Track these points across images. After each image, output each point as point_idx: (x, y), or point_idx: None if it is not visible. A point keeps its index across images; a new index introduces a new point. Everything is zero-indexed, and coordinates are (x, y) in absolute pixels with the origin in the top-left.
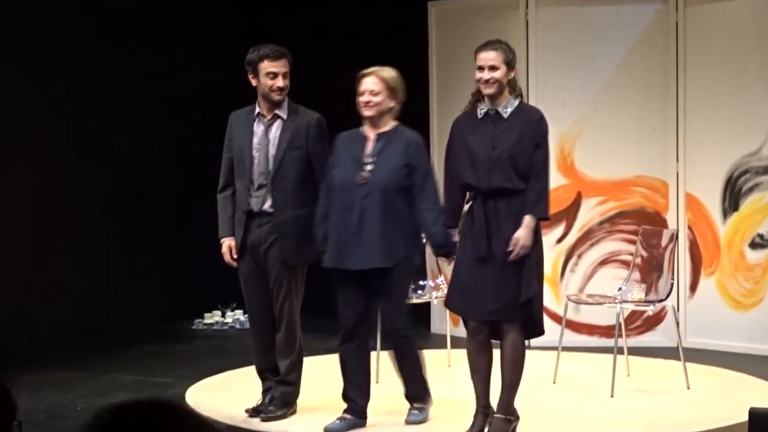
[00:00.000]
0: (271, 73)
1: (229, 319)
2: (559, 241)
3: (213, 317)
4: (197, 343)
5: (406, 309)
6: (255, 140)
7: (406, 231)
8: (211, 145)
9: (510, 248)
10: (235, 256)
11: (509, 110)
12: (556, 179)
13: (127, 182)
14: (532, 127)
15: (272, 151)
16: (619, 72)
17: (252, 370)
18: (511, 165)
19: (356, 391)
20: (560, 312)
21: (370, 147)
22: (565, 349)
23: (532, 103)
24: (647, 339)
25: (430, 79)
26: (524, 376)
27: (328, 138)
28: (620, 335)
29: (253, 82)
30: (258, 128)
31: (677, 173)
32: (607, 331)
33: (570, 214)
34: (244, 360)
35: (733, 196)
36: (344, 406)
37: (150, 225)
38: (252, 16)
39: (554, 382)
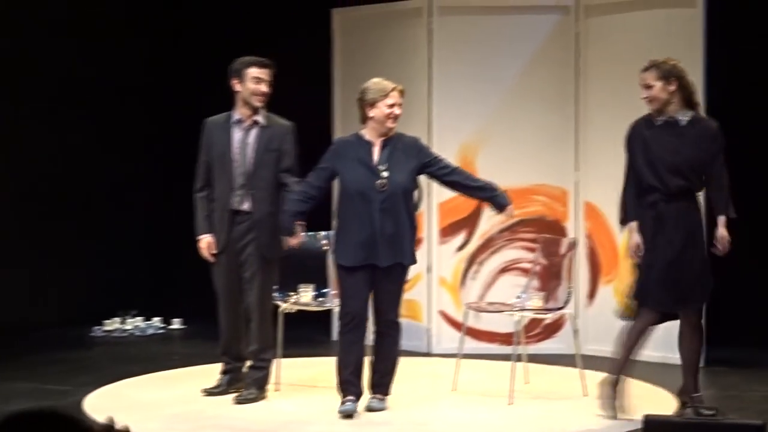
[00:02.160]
0: (257, 78)
1: (129, 326)
2: (460, 248)
3: (113, 324)
4: (97, 350)
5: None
6: (235, 144)
7: (414, 229)
8: (113, 148)
9: (717, 245)
10: (214, 252)
11: (685, 120)
12: None
13: (25, 185)
14: (708, 137)
15: (250, 153)
16: (520, 81)
17: (153, 377)
18: (688, 170)
19: (357, 375)
20: (461, 319)
21: (377, 153)
22: (466, 356)
23: (434, 112)
24: (546, 346)
25: (333, 85)
26: (423, 383)
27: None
28: (519, 343)
29: (237, 87)
30: (237, 133)
31: (576, 182)
32: (507, 339)
33: (471, 222)
34: (144, 367)
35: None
36: None
37: (50, 229)
38: (161, 19)
39: (454, 389)
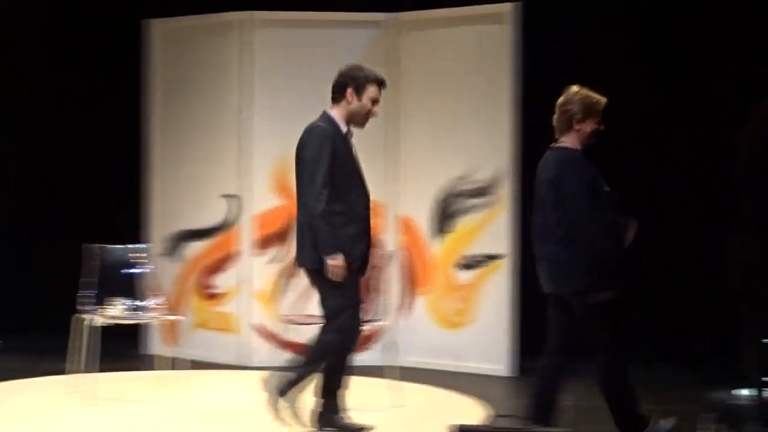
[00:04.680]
0: (375, 99)
1: None
2: (276, 260)
3: None
4: None
5: None
6: (353, 157)
7: None
8: None
9: None
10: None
11: None
12: (272, 200)
13: None
14: None
15: (359, 167)
16: None
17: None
18: None
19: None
20: (276, 332)
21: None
22: (281, 368)
23: (252, 123)
24: (364, 358)
25: (150, 97)
26: (237, 396)
27: None
28: None
29: (349, 99)
30: (349, 145)
31: (393, 195)
32: None
33: (286, 234)
34: None
35: (445, 218)
36: None
37: None
38: None
39: None
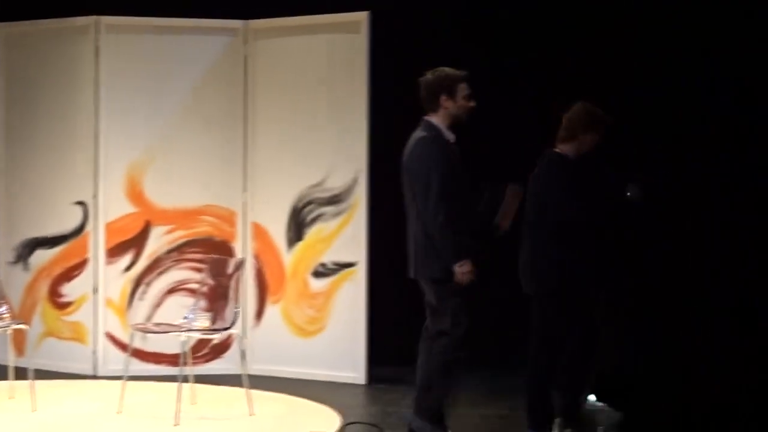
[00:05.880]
0: (469, 95)
1: None
2: (128, 269)
3: None
4: None
5: None
6: (458, 166)
7: None
8: None
9: None
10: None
11: None
12: (125, 207)
13: None
14: None
15: (465, 175)
16: (190, 101)
17: None
18: None
19: None
20: (127, 341)
21: None
22: (132, 378)
23: (102, 130)
24: (214, 366)
25: None
26: (88, 406)
27: None
28: (186, 363)
29: (446, 104)
30: (453, 154)
31: (245, 203)
32: (175, 360)
33: (138, 242)
34: None
35: (297, 226)
36: None
37: None
38: None
39: (120, 412)
